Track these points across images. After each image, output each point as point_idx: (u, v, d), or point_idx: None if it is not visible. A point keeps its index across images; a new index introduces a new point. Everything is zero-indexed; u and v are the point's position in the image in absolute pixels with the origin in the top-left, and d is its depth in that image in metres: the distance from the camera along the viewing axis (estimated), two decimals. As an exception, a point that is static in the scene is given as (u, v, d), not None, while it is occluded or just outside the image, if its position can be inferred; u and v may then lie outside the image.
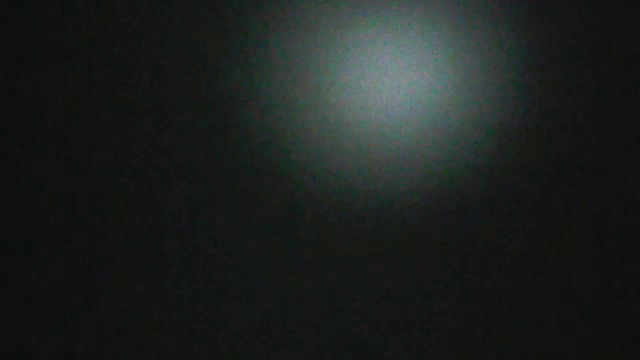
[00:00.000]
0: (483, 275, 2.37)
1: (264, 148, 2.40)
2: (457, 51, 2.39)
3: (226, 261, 2.39)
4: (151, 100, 2.42)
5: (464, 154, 2.38)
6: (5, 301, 2.40)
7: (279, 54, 2.40)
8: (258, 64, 2.41)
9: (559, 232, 2.38)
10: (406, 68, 2.40)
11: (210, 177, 2.41)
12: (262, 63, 2.41)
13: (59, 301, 2.40)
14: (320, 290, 2.39)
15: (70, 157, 2.41)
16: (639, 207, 2.37)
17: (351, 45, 2.40)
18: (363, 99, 2.40)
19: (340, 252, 2.39)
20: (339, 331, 2.38)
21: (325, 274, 2.39)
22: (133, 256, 2.40)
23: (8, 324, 2.40)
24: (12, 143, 2.42)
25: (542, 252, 2.38)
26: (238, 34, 2.41)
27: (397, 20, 2.41)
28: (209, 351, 2.39)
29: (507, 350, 2.37)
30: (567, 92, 2.40)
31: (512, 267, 2.37)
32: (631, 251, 2.37)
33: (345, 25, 2.40)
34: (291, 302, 2.39)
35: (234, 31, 2.41)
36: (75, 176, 2.41)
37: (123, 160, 2.41)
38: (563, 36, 2.40)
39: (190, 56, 2.42)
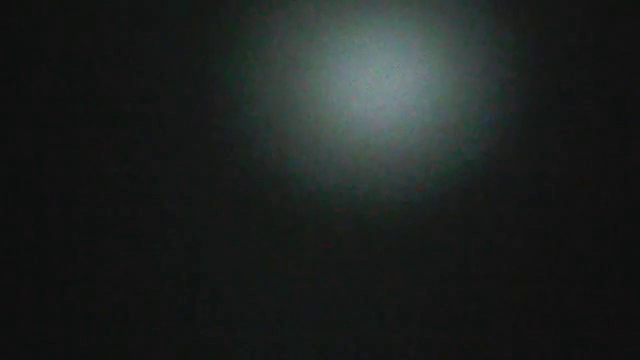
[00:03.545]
0: (483, 275, 2.38)
1: (264, 148, 2.40)
2: (457, 51, 2.39)
3: (225, 262, 2.39)
4: (150, 100, 2.42)
5: (464, 154, 2.38)
6: (5, 301, 2.40)
7: (279, 54, 2.40)
8: (258, 64, 2.41)
9: (559, 232, 2.38)
10: (406, 68, 2.40)
11: (209, 177, 2.41)
12: (262, 63, 2.41)
13: (57, 301, 2.40)
14: (320, 290, 2.39)
15: (69, 156, 2.41)
16: (639, 207, 2.37)
17: (351, 45, 2.40)
18: (363, 99, 2.40)
19: (340, 252, 2.39)
20: (339, 332, 2.38)
21: (324, 274, 2.39)
22: (132, 257, 2.40)
23: (7, 324, 2.40)
24: (11, 143, 2.42)
25: (542, 252, 2.38)
26: (238, 34, 2.41)
27: (397, 20, 2.41)
28: (208, 351, 2.39)
29: (507, 351, 2.37)
30: (567, 92, 2.40)
31: (512, 267, 2.38)
32: (631, 251, 2.37)
33: (345, 25, 2.40)
34: (290, 303, 2.39)
35: (234, 31, 2.41)
36: (74, 176, 2.41)
37: (122, 160, 2.41)
38: (563, 36, 2.40)
39: (190, 56, 2.42)
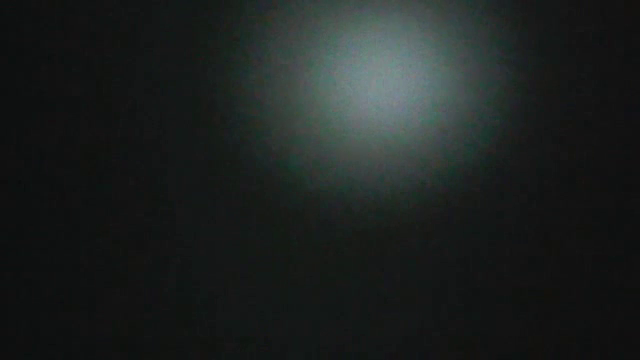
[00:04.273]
0: (483, 275, 2.38)
1: (264, 148, 2.40)
2: (457, 51, 2.39)
3: (225, 261, 2.39)
4: (150, 100, 2.42)
5: (464, 154, 2.38)
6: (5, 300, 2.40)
7: (279, 54, 2.40)
8: (258, 64, 2.41)
9: (559, 232, 2.38)
10: (406, 68, 2.40)
11: (209, 177, 2.41)
12: (262, 63, 2.41)
13: (57, 301, 2.40)
14: (320, 290, 2.39)
15: (67, 155, 2.41)
16: (639, 207, 2.37)
17: (351, 45, 2.41)
18: (363, 99, 2.40)
19: (339, 252, 2.39)
20: (339, 332, 2.38)
21: (325, 274, 2.39)
22: (132, 256, 2.40)
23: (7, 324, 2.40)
24: (12, 143, 2.42)
25: (542, 252, 2.38)
26: (238, 34, 2.41)
27: (397, 20, 2.41)
28: (208, 351, 2.39)
29: (507, 350, 2.37)
30: (567, 92, 2.40)
31: (512, 267, 2.38)
32: (631, 251, 2.37)
33: (345, 25, 2.40)
34: (290, 303, 2.39)
35: (234, 31, 2.41)
36: (73, 175, 2.41)
37: (122, 160, 2.41)
38: (562, 35, 2.40)
39: (189, 56, 2.42)
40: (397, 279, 2.38)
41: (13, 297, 2.40)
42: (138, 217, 2.40)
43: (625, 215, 2.38)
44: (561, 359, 2.37)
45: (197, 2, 2.43)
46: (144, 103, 2.42)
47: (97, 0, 2.44)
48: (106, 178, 2.41)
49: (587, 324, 2.36)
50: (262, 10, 2.42)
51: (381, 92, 2.40)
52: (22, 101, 2.43)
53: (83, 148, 2.42)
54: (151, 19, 2.43)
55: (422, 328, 2.37)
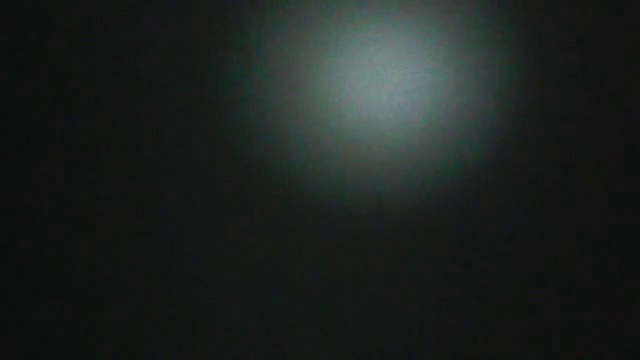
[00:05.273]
0: (482, 275, 2.38)
1: (264, 148, 2.40)
2: (457, 51, 2.39)
3: (225, 261, 2.39)
4: (151, 100, 2.42)
5: (464, 154, 2.38)
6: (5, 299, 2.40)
7: (279, 54, 2.40)
8: (258, 64, 2.41)
9: (559, 232, 2.38)
10: (406, 68, 2.40)
11: (209, 177, 2.41)
12: (262, 63, 2.41)
13: (58, 300, 2.40)
14: (319, 290, 2.39)
15: (68, 155, 2.41)
16: (639, 207, 2.38)
17: (351, 45, 2.41)
18: (363, 99, 2.40)
19: (339, 252, 2.39)
20: (338, 331, 2.38)
21: (324, 274, 2.39)
22: (132, 255, 2.40)
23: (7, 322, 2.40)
24: (12, 142, 2.42)
25: (542, 252, 2.38)
26: (238, 34, 2.41)
27: (397, 19, 2.41)
28: (208, 351, 2.39)
29: (507, 350, 2.37)
30: (566, 92, 2.40)
31: (511, 267, 2.38)
32: (631, 251, 2.37)
33: (345, 25, 2.40)
34: (290, 302, 2.39)
35: (234, 31, 2.41)
36: (73, 174, 2.41)
37: (122, 160, 2.41)
38: (563, 35, 2.40)
39: (189, 56, 2.42)
40: (397, 279, 2.38)
41: (13, 297, 2.40)
42: (136, 217, 2.40)
43: (625, 215, 2.38)
44: (561, 359, 2.37)
45: (197, 2, 2.43)
46: (143, 103, 2.42)
47: (97, 0, 2.44)
48: (106, 178, 2.41)
49: (587, 324, 2.36)
50: (262, 10, 2.42)
51: (381, 92, 2.40)
52: (22, 101, 2.43)
53: (83, 148, 2.42)
54: (151, 18, 2.43)
55: (422, 328, 2.38)
